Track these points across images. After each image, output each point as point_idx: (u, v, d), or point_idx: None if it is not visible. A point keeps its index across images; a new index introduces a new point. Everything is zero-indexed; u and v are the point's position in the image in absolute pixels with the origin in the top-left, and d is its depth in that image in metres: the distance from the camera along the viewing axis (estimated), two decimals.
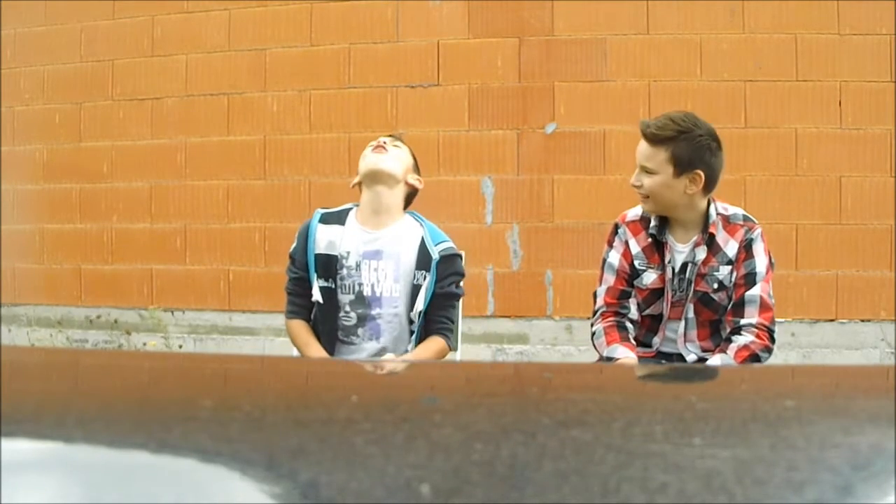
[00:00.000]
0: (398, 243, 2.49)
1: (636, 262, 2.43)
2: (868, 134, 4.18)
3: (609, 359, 2.37)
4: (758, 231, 2.37)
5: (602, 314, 2.47)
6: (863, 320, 4.15)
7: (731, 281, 2.36)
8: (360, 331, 2.47)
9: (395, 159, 2.53)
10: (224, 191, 4.72)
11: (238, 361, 1.08)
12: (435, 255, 2.49)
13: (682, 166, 2.28)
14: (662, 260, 2.40)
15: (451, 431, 0.54)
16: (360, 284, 2.47)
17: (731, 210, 2.42)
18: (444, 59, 4.48)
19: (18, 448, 0.51)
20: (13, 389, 0.68)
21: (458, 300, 2.60)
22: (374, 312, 2.47)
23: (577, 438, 0.53)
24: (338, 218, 2.58)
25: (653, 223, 2.42)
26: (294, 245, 2.57)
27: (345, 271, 2.48)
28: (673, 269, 2.40)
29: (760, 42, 4.24)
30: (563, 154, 4.36)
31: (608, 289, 2.46)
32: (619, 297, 2.45)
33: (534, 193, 4.39)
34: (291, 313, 2.55)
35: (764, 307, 2.33)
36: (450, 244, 2.55)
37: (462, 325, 2.92)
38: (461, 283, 2.57)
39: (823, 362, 4.06)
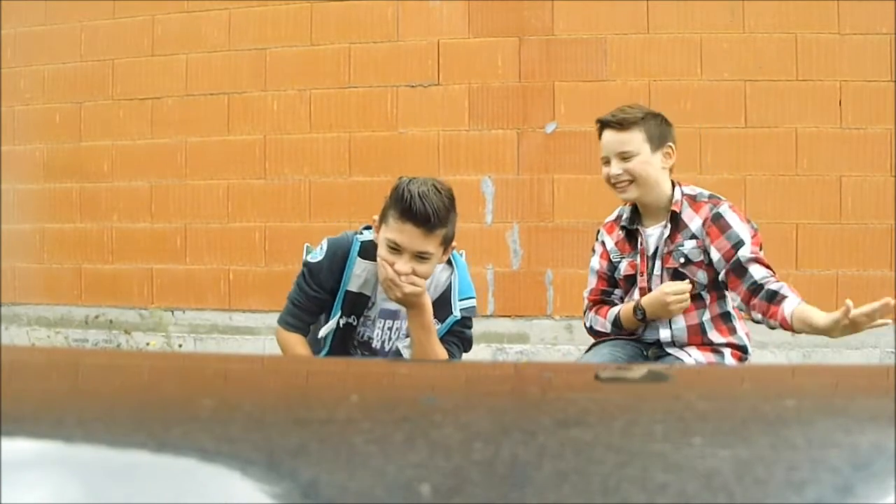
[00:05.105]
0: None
1: (612, 257, 2.59)
2: (868, 133, 4.18)
3: (615, 323, 2.53)
4: (725, 205, 2.41)
5: (588, 308, 2.67)
6: None
7: (700, 257, 2.40)
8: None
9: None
10: (224, 190, 4.72)
11: (238, 361, 1.08)
12: (456, 313, 2.27)
13: (655, 142, 2.41)
14: (635, 247, 2.52)
15: (451, 431, 0.54)
16: (370, 337, 2.35)
17: (697, 191, 2.49)
18: (445, 58, 4.48)
19: (18, 448, 0.51)
20: (13, 389, 0.68)
21: (464, 339, 2.34)
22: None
23: (577, 438, 0.53)
24: (374, 253, 2.23)
25: (624, 217, 2.56)
26: (322, 261, 2.29)
27: (363, 319, 2.33)
28: (647, 255, 2.49)
29: (761, 41, 4.24)
30: (563, 153, 4.36)
31: (591, 290, 2.67)
32: (601, 294, 2.64)
33: (534, 193, 4.39)
34: (292, 326, 2.32)
35: (762, 263, 2.33)
36: (473, 302, 2.33)
37: None
38: (469, 331, 2.36)
39: (823, 362, 4.06)
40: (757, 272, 2.30)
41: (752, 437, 0.54)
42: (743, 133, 4.24)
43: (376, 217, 2.22)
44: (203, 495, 0.45)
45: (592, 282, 2.65)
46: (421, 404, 0.65)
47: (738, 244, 2.34)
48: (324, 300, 2.32)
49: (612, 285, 2.61)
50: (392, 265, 2.10)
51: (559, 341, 4.34)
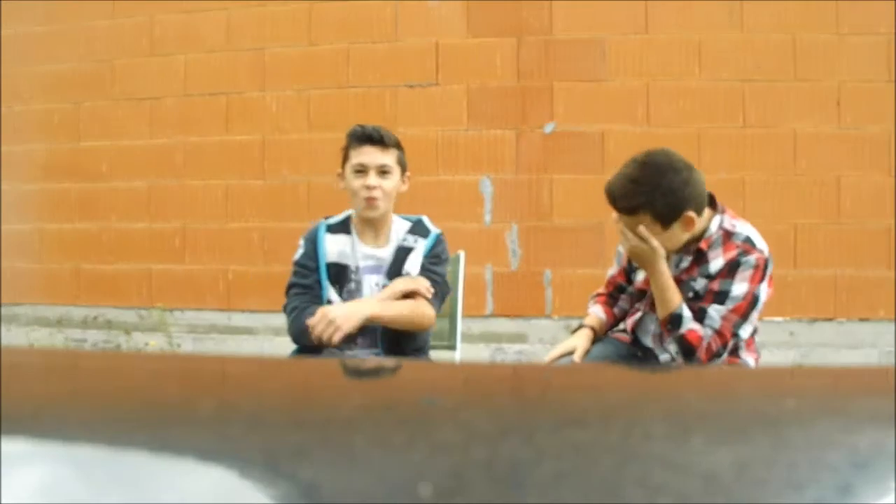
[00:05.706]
0: (395, 249, 2.48)
1: (632, 261, 2.46)
2: (866, 134, 4.18)
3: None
4: (753, 257, 2.21)
5: (598, 293, 2.64)
6: (861, 319, 4.15)
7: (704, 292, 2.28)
8: (359, 339, 2.40)
9: (386, 199, 2.44)
10: (223, 190, 4.72)
11: (238, 361, 1.08)
12: (434, 230, 2.50)
13: (668, 219, 2.19)
14: None
15: (451, 431, 0.54)
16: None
17: (740, 229, 2.28)
18: (443, 58, 4.48)
19: (18, 448, 0.51)
20: (13, 389, 0.68)
21: (443, 273, 2.49)
22: (375, 324, 2.38)
23: (577, 438, 0.53)
24: (343, 227, 2.53)
25: None
26: (301, 252, 2.50)
27: (353, 284, 2.45)
28: None
29: (759, 42, 4.24)
30: (561, 154, 4.36)
31: (610, 277, 2.63)
32: (616, 289, 2.61)
33: (532, 193, 4.39)
34: (310, 312, 2.35)
35: (719, 334, 2.23)
36: (436, 232, 2.53)
37: (461, 325, 2.92)
38: (441, 268, 2.50)
39: (822, 362, 4.07)
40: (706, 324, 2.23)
41: (752, 437, 0.54)
42: (741, 133, 4.24)
43: (339, 170, 2.55)
44: (203, 495, 0.45)
45: (615, 269, 2.59)
46: (421, 404, 0.65)
47: (721, 299, 2.23)
48: (320, 285, 2.47)
49: (629, 283, 2.55)
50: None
51: (558, 341, 4.32)
